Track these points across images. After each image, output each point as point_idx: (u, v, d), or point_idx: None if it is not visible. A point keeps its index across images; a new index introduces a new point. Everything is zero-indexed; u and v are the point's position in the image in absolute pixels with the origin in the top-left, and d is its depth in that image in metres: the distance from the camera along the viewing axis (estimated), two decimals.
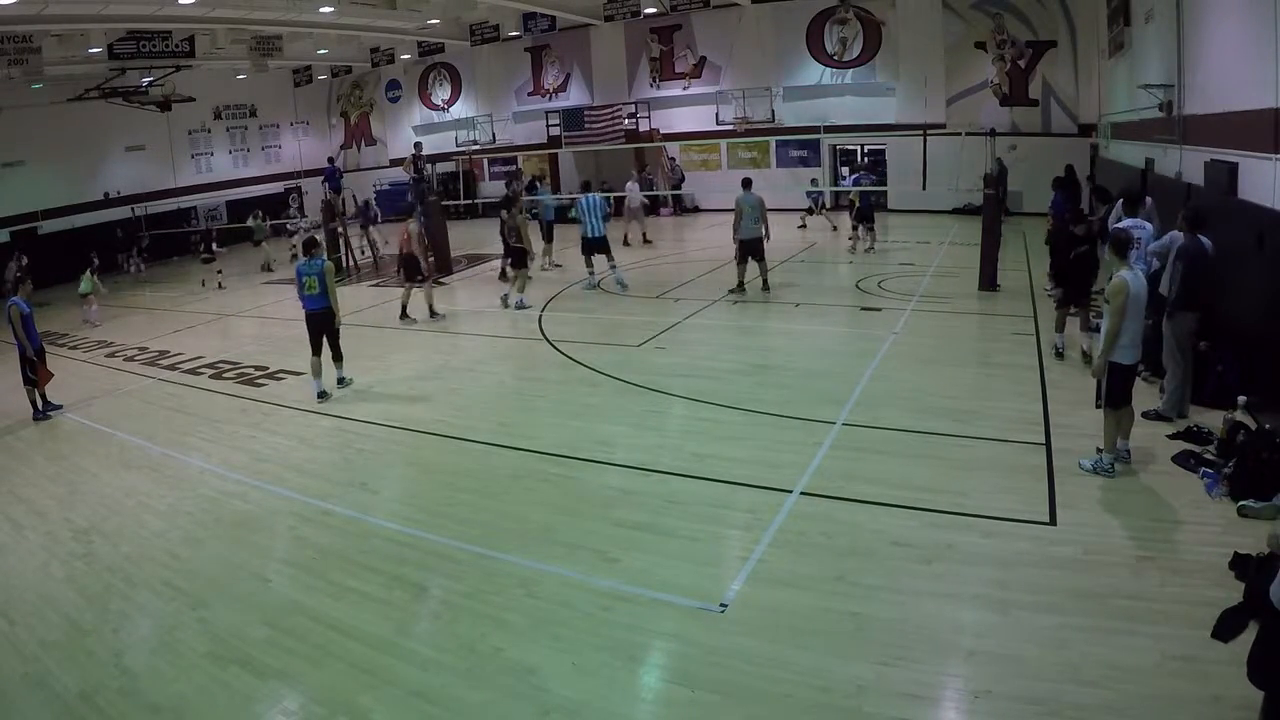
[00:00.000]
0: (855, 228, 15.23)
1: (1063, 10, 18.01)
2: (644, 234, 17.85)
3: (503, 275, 12.59)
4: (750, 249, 11.71)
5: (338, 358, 8.73)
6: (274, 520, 5.79)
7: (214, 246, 17.61)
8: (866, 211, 15.21)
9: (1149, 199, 8.68)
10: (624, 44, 23.58)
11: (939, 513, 5.10)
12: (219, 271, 16.80)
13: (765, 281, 12.08)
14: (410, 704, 3.71)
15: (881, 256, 14.60)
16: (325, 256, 8.71)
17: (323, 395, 8.46)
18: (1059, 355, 8.08)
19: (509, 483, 6.08)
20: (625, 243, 17.30)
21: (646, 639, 4.11)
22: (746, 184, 12.07)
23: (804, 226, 18.33)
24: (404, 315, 11.93)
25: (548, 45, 24.63)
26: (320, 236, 13.75)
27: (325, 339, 8.50)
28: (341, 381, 8.80)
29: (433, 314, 11.93)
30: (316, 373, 8.48)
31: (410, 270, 11.84)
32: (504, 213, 12.56)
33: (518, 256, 12.24)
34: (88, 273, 14.65)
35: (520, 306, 12.04)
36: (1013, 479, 5.53)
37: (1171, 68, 9.48)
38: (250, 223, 20.72)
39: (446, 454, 6.80)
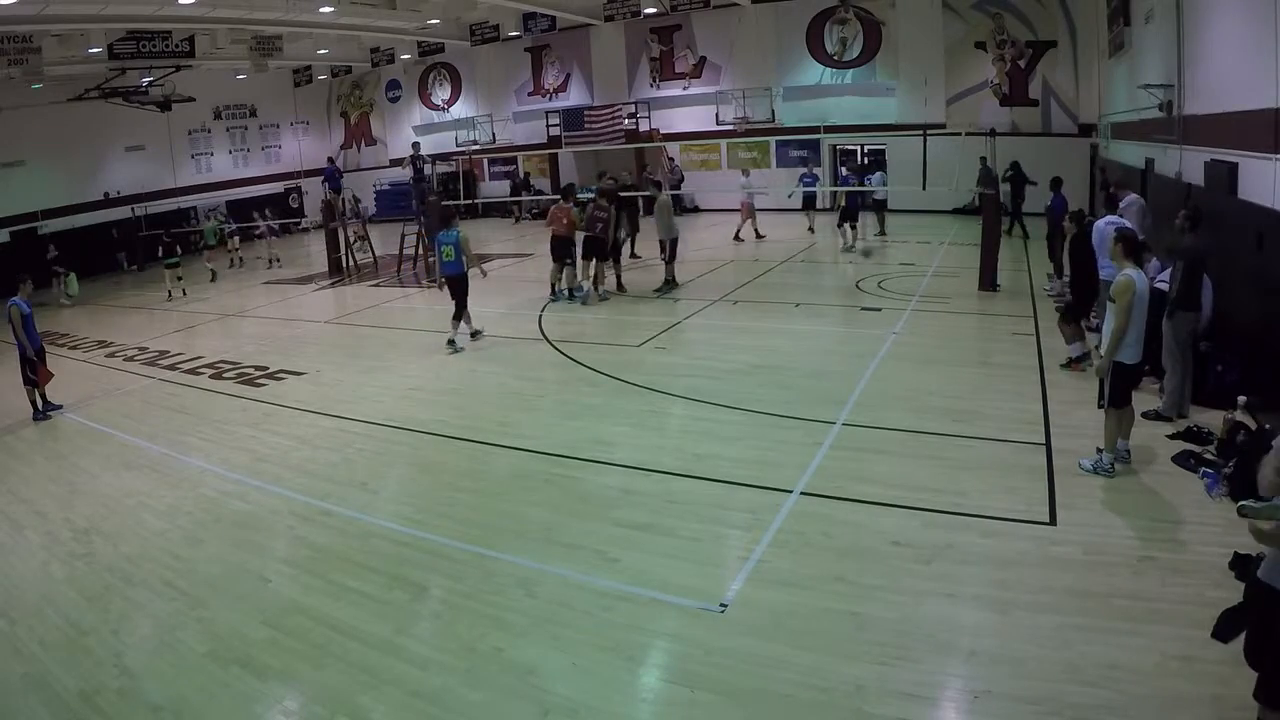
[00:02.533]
0: (850, 226, 15.48)
1: (1063, 10, 18.02)
2: (756, 229, 17.64)
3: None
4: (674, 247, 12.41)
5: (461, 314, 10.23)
6: (274, 520, 5.79)
7: (177, 249, 17.08)
8: (852, 210, 15.36)
9: (1133, 196, 8.65)
10: (624, 44, 23.59)
11: (939, 513, 5.10)
12: (179, 279, 16.47)
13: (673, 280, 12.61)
14: (410, 704, 3.71)
15: (881, 256, 14.61)
16: (460, 229, 10.16)
17: (451, 344, 10.02)
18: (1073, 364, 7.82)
19: (509, 483, 6.08)
20: (737, 238, 17.39)
21: (646, 639, 4.11)
22: (660, 185, 13.20)
23: (813, 230, 18.21)
24: (555, 294, 12.46)
25: (548, 45, 24.65)
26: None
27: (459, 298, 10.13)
28: (475, 335, 10.36)
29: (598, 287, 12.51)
30: (457, 321, 10.19)
31: (564, 251, 12.20)
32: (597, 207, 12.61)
33: (598, 248, 12.25)
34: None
35: (582, 298, 12.19)
36: (1013, 479, 5.52)
37: (1171, 68, 9.48)
38: (206, 226, 19.38)
39: (446, 454, 6.80)
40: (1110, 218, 7.96)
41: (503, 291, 13.37)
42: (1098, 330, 7.75)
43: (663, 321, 10.62)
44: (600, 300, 12.15)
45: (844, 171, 19.87)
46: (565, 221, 11.93)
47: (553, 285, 12.55)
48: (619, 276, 12.78)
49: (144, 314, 15.00)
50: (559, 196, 12.73)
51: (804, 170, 20.04)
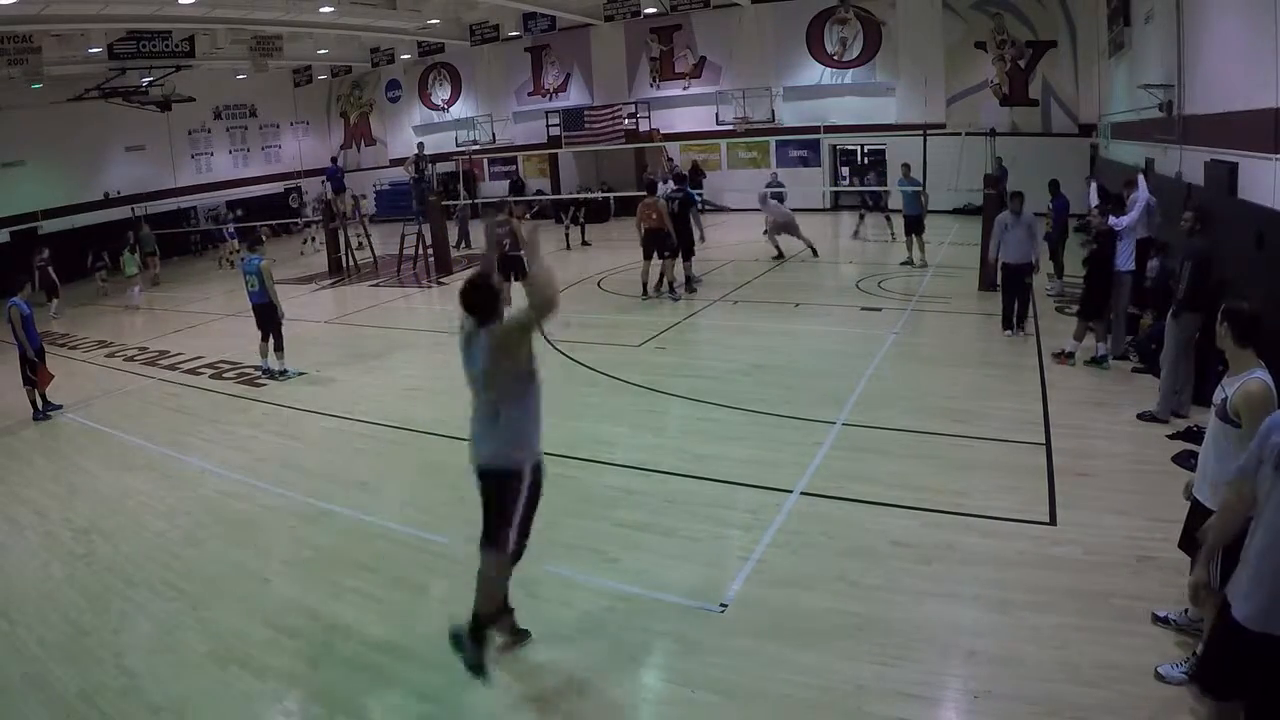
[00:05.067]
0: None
1: (1063, 10, 18.02)
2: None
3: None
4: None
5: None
6: (274, 520, 5.78)
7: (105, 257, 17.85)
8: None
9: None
10: (624, 44, 23.58)
11: (939, 513, 5.10)
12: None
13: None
14: (410, 704, 3.71)
15: (881, 256, 14.60)
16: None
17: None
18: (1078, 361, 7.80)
19: None
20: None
21: (646, 639, 4.10)
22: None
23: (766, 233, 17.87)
24: (647, 292, 12.05)
25: (548, 45, 24.63)
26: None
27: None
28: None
29: (682, 287, 12.12)
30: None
31: (659, 246, 11.91)
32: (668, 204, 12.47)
33: (667, 244, 12.03)
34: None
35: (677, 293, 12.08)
36: (1013, 479, 5.52)
37: (1171, 68, 9.48)
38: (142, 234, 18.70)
39: (446, 454, 6.76)
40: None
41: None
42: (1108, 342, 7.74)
43: (663, 321, 10.62)
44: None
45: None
46: (654, 216, 11.78)
47: (644, 284, 12.08)
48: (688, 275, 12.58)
49: (144, 314, 15.00)
50: (644, 192, 12.55)
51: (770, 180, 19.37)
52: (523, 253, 11.11)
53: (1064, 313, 10.04)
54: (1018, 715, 3.38)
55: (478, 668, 3.60)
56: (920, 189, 13.48)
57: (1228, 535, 2.91)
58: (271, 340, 9.39)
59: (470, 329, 3.70)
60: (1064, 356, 7.93)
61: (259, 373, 9.49)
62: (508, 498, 3.76)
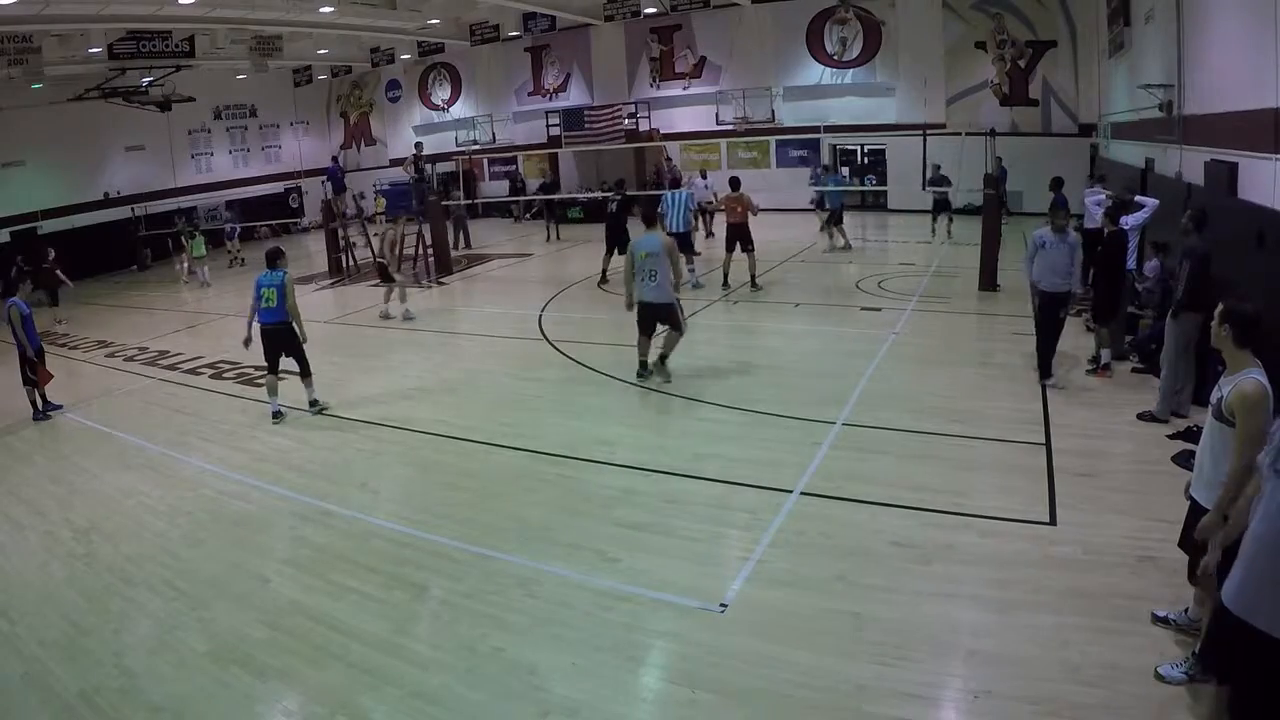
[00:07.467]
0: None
1: (1063, 10, 18.03)
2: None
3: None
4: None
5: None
6: (274, 520, 5.79)
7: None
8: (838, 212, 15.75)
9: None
10: (624, 44, 23.59)
11: (939, 513, 5.10)
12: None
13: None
14: (410, 704, 3.71)
15: (882, 256, 14.61)
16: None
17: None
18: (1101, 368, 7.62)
19: (509, 483, 6.08)
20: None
21: (646, 639, 4.11)
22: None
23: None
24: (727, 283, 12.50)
25: (548, 45, 24.64)
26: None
27: None
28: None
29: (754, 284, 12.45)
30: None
31: (742, 240, 12.30)
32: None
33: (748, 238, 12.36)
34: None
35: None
36: (1013, 479, 5.53)
37: (1171, 68, 9.49)
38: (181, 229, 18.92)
39: (446, 454, 6.79)
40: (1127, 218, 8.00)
41: (503, 291, 13.36)
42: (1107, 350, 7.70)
43: None
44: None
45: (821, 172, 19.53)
46: (739, 210, 12.16)
47: (724, 275, 12.52)
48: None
49: (144, 314, 14.99)
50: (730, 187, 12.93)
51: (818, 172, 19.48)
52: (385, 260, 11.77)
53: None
54: (1018, 715, 3.38)
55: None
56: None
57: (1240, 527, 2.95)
58: (297, 366, 7.92)
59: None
60: (1102, 369, 7.59)
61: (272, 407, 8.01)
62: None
